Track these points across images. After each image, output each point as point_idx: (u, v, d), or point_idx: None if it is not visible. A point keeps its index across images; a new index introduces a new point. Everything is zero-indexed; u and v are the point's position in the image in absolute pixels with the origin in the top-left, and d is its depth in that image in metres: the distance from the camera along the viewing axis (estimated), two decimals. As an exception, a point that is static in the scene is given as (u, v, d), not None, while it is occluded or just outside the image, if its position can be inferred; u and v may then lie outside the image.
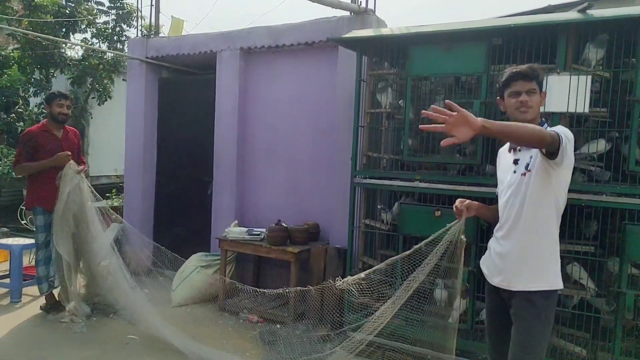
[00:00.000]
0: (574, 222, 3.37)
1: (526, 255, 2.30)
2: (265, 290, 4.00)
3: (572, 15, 3.35)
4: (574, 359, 3.40)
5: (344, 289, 2.95)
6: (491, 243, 2.51)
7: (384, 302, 2.95)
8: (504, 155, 2.51)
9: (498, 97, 2.48)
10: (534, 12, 4.34)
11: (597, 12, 3.28)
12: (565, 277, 3.40)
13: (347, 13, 4.93)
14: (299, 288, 3.79)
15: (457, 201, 2.58)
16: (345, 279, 2.89)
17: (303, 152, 5.36)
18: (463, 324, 3.62)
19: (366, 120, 4.26)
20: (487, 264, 2.51)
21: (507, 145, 2.52)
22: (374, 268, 2.99)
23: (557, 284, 2.31)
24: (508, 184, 2.38)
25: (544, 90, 2.42)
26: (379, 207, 4.23)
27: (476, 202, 2.62)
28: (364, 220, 4.26)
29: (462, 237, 2.61)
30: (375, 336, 3.11)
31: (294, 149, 5.42)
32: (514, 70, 2.35)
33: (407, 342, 3.56)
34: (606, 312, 3.39)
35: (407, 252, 2.84)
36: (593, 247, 3.36)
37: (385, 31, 4.25)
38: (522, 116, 2.30)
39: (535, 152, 2.25)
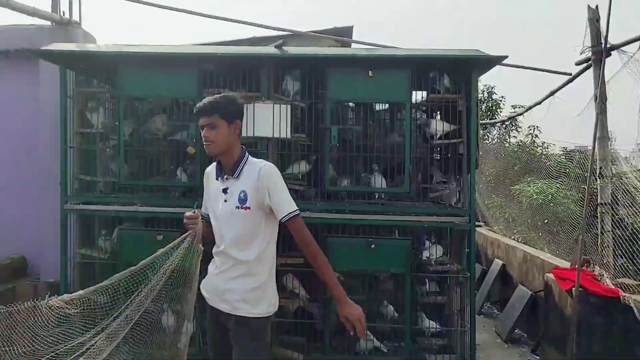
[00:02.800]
0: (287, 236, 3.69)
1: (247, 286, 2.32)
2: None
3: (270, 50, 3.64)
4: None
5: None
6: (211, 267, 2.45)
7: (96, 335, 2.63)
8: (212, 179, 2.42)
9: None
10: (241, 42, 4.58)
11: (292, 49, 3.65)
12: (282, 288, 3.73)
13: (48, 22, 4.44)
14: None
15: (187, 213, 2.37)
16: (61, 297, 2.44)
17: (1, 175, 4.66)
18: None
19: (76, 140, 3.91)
20: (208, 288, 2.44)
21: (214, 165, 2.42)
22: (95, 287, 2.56)
23: (271, 310, 2.40)
24: (220, 213, 2.34)
25: (236, 120, 2.30)
26: (102, 233, 3.92)
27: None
28: (80, 250, 3.89)
29: (200, 246, 2.45)
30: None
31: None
32: (196, 105, 2.29)
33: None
34: (319, 316, 3.79)
35: (127, 272, 2.47)
36: (302, 259, 3.73)
37: (92, 47, 3.94)
38: (207, 149, 2.28)
39: (249, 186, 2.26)
